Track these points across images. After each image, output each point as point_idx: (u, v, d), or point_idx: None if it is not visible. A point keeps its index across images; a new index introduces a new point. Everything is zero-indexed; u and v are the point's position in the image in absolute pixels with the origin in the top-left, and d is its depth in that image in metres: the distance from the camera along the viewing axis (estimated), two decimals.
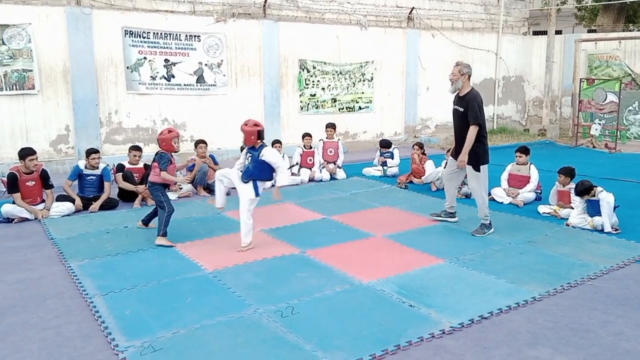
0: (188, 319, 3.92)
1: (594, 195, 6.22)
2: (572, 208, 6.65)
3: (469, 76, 6.02)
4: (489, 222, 6.10)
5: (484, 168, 6.02)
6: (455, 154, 6.18)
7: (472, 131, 5.85)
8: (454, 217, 6.57)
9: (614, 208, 6.21)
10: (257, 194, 5.55)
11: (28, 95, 9.46)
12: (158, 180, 5.76)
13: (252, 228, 5.58)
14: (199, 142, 8.49)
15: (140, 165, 7.92)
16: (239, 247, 5.53)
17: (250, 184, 5.50)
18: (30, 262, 5.28)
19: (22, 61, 9.32)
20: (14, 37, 9.21)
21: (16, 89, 9.33)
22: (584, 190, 6.22)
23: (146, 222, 6.37)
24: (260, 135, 5.53)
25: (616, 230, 6.11)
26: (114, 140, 10.30)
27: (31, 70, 9.40)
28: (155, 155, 5.86)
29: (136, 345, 3.54)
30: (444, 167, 6.62)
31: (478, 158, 5.96)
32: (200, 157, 8.41)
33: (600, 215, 6.13)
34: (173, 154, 5.80)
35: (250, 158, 5.51)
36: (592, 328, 3.80)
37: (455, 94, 6.12)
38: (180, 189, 8.18)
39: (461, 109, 5.98)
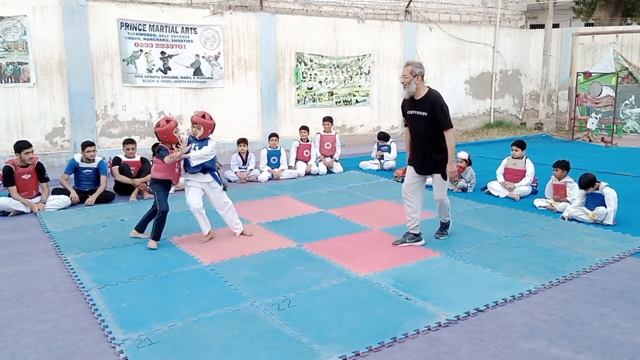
0: (185, 312, 3.92)
1: (597, 189, 6.23)
2: (568, 202, 6.68)
3: (422, 76, 5.25)
4: (448, 220, 5.78)
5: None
6: (418, 164, 5.41)
7: (451, 136, 5.23)
8: (420, 239, 5.55)
9: None
10: (218, 182, 5.67)
11: (23, 88, 9.41)
12: (159, 176, 5.55)
13: (234, 210, 5.82)
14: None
15: (137, 158, 7.90)
16: (239, 237, 5.76)
17: (209, 175, 5.60)
18: (26, 255, 5.27)
19: (17, 54, 9.26)
20: (9, 30, 9.14)
21: (11, 82, 9.28)
22: (588, 182, 6.23)
23: (141, 228, 5.79)
24: (213, 128, 5.67)
25: (613, 222, 6.15)
26: (110, 133, 10.27)
27: (26, 63, 9.35)
28: (155, 150, 5.80)
29: (133, 338, 3.54)
30: (407, 181, 5.58)
31: (446, 164, 5.34)
32: None
33: (602, 207, 6.16)
34: (174, 145, 5.51)
35: (197, 148, 5.51)
36: (587, 321, 3.82)
37: (409, 98, 5.31)
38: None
39: (423, 114, 5.21)
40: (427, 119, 5.22)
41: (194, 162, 5.47)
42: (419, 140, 5.38)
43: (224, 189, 5.78)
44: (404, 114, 5.50)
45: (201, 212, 5.61)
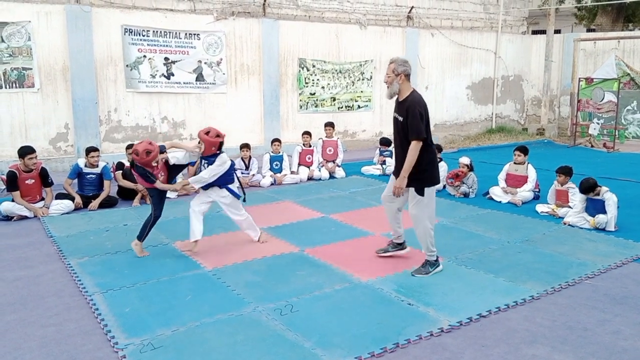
0: (187, 317, 3.93)
1: (598, 194, 6.23)
2: (571, 207, 6.67)
3: (407, 75, 4.68)
4: (435, 258, 4.81)
5: (429, 192, 4.70)
6: (396, 172, 4.83)
7: (414, 148, 4.53)
8: (404, 247, 5.23)
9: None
10: (236, 196, 5.50)
11: (27, 93, 9.46)
12: (146, 185, 5.37)
13: (252, 220, 5.72)
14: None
15: None
16: (241, 242, 5.75)
17: (224, 190, 5.44)
18: (30, 259, 5.29)
19: (22, 59, 9.32)
20: (13, 35, 9.20)
21: (16, 87, 9.33)
22: (589, 187, 6.23)
23: (142, 237, 5.39)
24: (220, 146, 5.36)
25: (615, 228, 6.15)
26: (113, 138, 10.30)
27: (31, 69, 9.40)
28: (133, 165, 5.30)
29: (136, 343, 3.55)
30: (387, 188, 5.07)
31: (424, 179, 4.67)
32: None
33: (602, 214, 6.15)
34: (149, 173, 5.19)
35: (206, 166, 5.33)
36: (590, 327, 3.82)
37: (395, 99, 4.81)
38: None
39: (400, 118, 4.67)
40: (402, 124, 4.66)
41: (196, 186, 5.38)
42: (398, 147, 4.81)
43: (243, 200, 5.61)
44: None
45: (197, 216, 5.42)
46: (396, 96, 4.77)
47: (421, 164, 4.61)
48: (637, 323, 3.87)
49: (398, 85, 4.67)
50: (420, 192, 4.67)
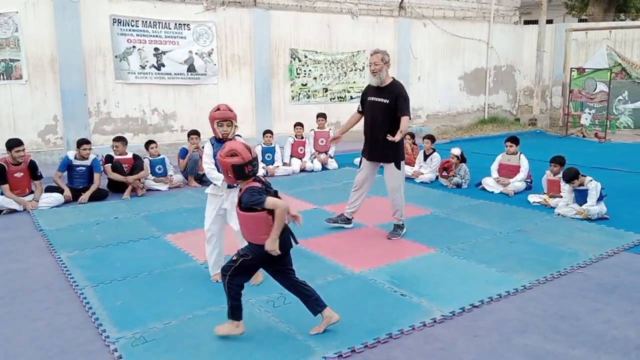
0: (179, 310, 3.90)
1: (582, 184, 6.27)
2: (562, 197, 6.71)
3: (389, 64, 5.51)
4: (402, 222, 5.67)
5: (402, 164, 5.63)
6: (368, 151, 5.69)
7: (406, 122, 5.34)
8: (350, 222, 5.90)
9: (602, 197, 6.27)
10: None
11: (15, 85, 9.34)
12: None
13: None
14: (192, 133, 8.43)
15: (129, 155, 7.85)
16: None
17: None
18: (19, 253, 5.24)
19: (9, 50, 9.18)
20: (0, 26, 9.06)
21: (3, 79, 9.21)
22: (572, 176, 6.28)
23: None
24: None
25: (600, 215, 6.21)
26: (102, 130, 10.20)
27: (18, 60, 9.27)
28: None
29: (127, 336, 3.52)
30: (359, 171, 5.90)
31: (400, 154, 5.56)
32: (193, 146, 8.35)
33: (591, 205, 6.18)
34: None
35: None
36: (582, 316, 3.83)
37: (375, 86, 5.52)
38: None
39: (385, 101, 5.39)
40: (387, 106, 5.38)
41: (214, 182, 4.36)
42: (373, 127, 5.56)
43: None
44: (363, 100, 5.69)
45: (216, 243, 4.44)
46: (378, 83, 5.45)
47: (399, 142, 5.39)
48: (628, 312, 3.90)
49: (385, 73, 5.43)
50: (398, 166, 5.54)
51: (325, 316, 3.52)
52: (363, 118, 5.78)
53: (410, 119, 5.43)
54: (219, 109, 4.26)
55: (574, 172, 6.30)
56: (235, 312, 3.44)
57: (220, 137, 4.25)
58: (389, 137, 5.24)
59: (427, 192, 7.66)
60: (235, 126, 4.34)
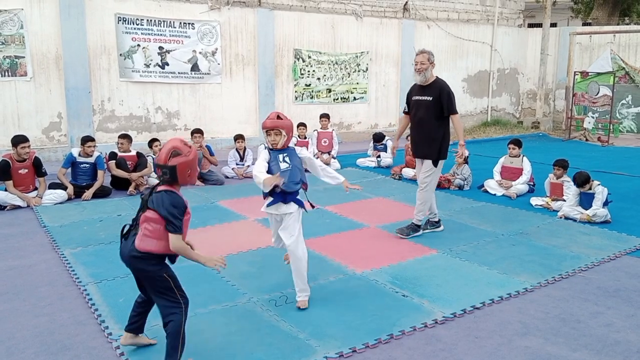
0: None
1: (590, 188, 6.27)
2: (564, 201, 6.70)
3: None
4: (420, 224, 5.68)
5: (440, 164, 5.64)
6: (415, 146, 5.72)
7: (458, 120, 5.54)
8: (439, 224, 5.91)
9: (607, 203, 6.28)
10: (301, 206, 4.13)
11: (20, 82, 9.38)
12: None
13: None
14: (195, 132, 8.45)
15: (133, 152, 7.88)
16: (235, 233, 5.55)
17: (292, 204, 4.16)
18: (23, 249, 5.26)
19: (14, 47, 9.22)
20: (5, 23, 9.10)
21: (8, 76, 9.24)
22: (583, 180, 6.28)
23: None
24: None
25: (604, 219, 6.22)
26: (106, 128, 10.24)
27: (23, 57, 9.31)
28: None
29: None
30: (416, 172, 6.00)
31: (441, 152, 5.58)
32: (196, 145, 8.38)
33: (599, 209, 6.19)
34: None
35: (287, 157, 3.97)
36: (583, 319, 3.84)
37: (413, 85, 5.69)
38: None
39: (429, 99, 5.48)
40: (431, 104, 5.47)
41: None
42: (418, 125, 5.63)
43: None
44: (409, 100, 5.73)
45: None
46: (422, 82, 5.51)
47: (444, 141, 5.54)
48: (629, 315, 3.90)
49: (430, 72, 5.50)
50: (435, 164, 5.57)
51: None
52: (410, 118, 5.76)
53: (458, 114, 5.55)
54: (269, 117, 3.89)
55: (585, 176, 6.29)
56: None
57: (270, 147, 3.90)
58: (458, 160, 5.60)
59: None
60: (289, 135, 3.89)
